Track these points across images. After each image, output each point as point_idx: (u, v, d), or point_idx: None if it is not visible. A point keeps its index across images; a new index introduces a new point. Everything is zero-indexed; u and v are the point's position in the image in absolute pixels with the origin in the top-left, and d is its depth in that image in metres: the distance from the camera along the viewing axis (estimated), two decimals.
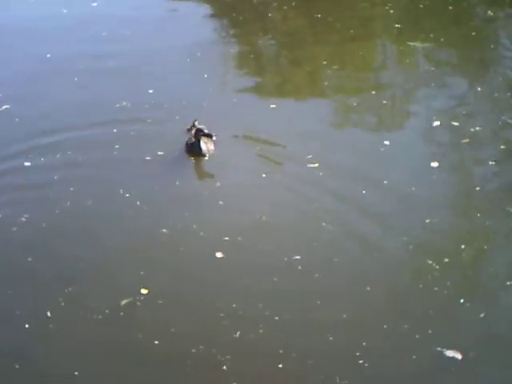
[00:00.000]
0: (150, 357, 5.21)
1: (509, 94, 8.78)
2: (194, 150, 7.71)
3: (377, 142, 7.86)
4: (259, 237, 6.42)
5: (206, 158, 7.69)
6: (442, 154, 7.54)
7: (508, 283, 5.70)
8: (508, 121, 8.09)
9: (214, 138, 7.67)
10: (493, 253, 6.12)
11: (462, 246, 6.13)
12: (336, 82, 9.49)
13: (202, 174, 7.67)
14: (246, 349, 5.24)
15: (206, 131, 7.61)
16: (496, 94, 8.83)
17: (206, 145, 7.72)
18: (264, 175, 7.33)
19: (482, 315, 5.40)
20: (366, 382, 4.98)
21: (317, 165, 7.43)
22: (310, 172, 7.34)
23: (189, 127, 8.06)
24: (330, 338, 5.30)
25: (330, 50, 10.16)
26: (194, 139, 7.70)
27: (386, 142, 7.83)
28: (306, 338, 5.32)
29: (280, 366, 5.09)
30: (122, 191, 7.08)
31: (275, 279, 5.88)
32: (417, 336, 5.26)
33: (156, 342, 5.30)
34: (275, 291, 5.76)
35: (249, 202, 6.94)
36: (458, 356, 5.08)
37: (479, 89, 8.94)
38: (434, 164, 7.32)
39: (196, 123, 7.94)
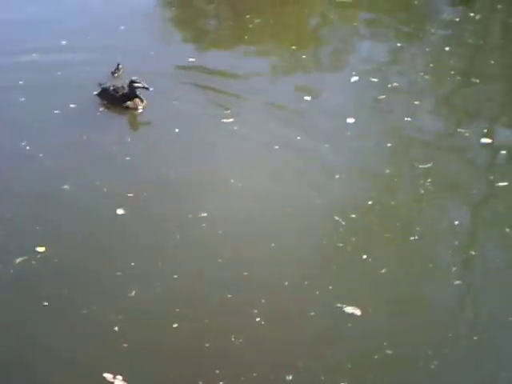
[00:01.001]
0: (35, 319, 4.94)
1: (427, 49, 8.69)
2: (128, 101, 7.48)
3: (298, 97, 7.69)
4: (165, 193, 6.19)
5: (140, 111, 7.48)
6: (359, 110, 7.39)
7: (412, 238, 5.62)
8: (425, 77, 7.99)
9: (151, 89, 7.42)
10: (399, 209, 6.01)
11: (370, 203, 6.01)
12: (258, 39, 9.26)
13: (111, 128, 7.35)
14: (141, 308, 5.01)
15: (144, 85, 7.39)
16: (414, 50, 8.74)
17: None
18: (177, 130, 7.10)
19: (383, 271, 5.30)
20: (261, 340, 4.81)
21: (231, 120, 7.23)
22: (225, 127, 7.13)
23: (113, 70, 8.03)
24: (229, 296, 5.12)
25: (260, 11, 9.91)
26: (126, 91, 7.47)
27: (307, 98, 7.67)
28: (203, 296, 5.12)
29: (175, 325, 4.89)
30: (23, 143, 6.76)
31: (177, 236, 5.67)
32: (317, 292, 5.12)
33: (45, 304, 5.04)
34: (176, 249, 5.55)
35: (157, 157, 6.70)
36: (357, 312, 4.97)
37: (399, 44, 8.82)
38: (350, 120, 7.18)
39: (120, 67, 7.99)
